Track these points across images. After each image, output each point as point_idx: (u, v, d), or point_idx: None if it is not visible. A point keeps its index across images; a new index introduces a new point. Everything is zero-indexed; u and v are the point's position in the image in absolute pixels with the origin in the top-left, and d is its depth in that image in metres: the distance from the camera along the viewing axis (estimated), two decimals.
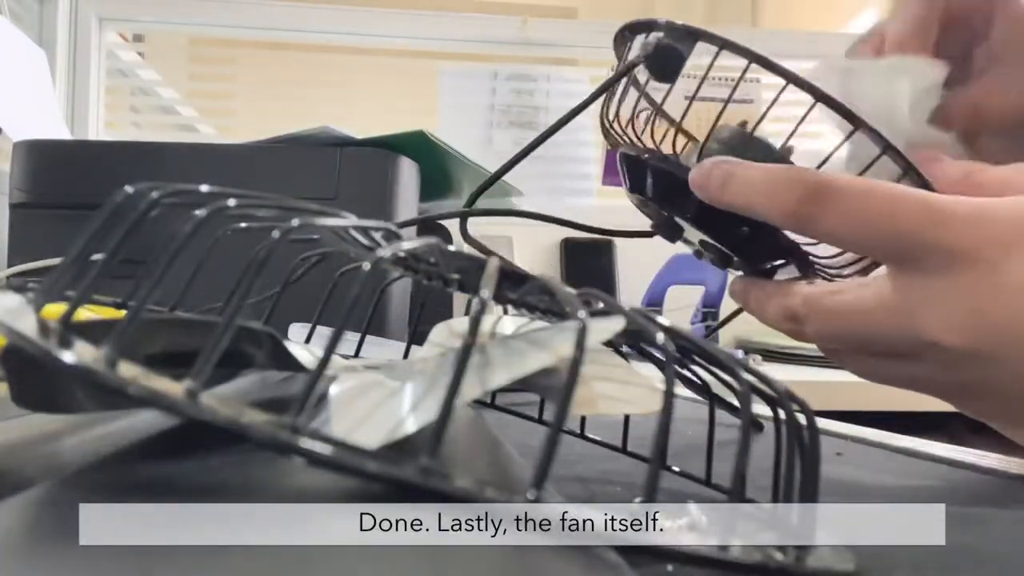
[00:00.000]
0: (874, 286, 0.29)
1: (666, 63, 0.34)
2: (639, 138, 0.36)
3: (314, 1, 1.70)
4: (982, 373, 0.28)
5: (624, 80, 0.37)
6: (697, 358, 0.23)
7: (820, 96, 0.32)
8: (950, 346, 0.27)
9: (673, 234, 0.37)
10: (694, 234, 0.36)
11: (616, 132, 0.37)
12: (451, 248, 0.23)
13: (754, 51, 0.32)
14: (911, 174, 0.32)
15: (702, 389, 0.29)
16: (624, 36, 0.37)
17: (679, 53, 0.34)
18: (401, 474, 0.14)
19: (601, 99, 0.38)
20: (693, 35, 0.34)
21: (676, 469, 0.29)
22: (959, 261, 0.27)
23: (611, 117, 0.37)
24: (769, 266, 0.35)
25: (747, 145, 0.34)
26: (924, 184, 0.31)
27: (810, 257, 0.35)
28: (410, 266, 0.26)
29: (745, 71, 0.33)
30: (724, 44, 0.33)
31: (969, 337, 0.27)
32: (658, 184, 0.35)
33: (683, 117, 0.35)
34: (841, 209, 0.28)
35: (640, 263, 1.44)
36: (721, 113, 0.34)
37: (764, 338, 1.39)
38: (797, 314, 0.31)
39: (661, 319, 0.20)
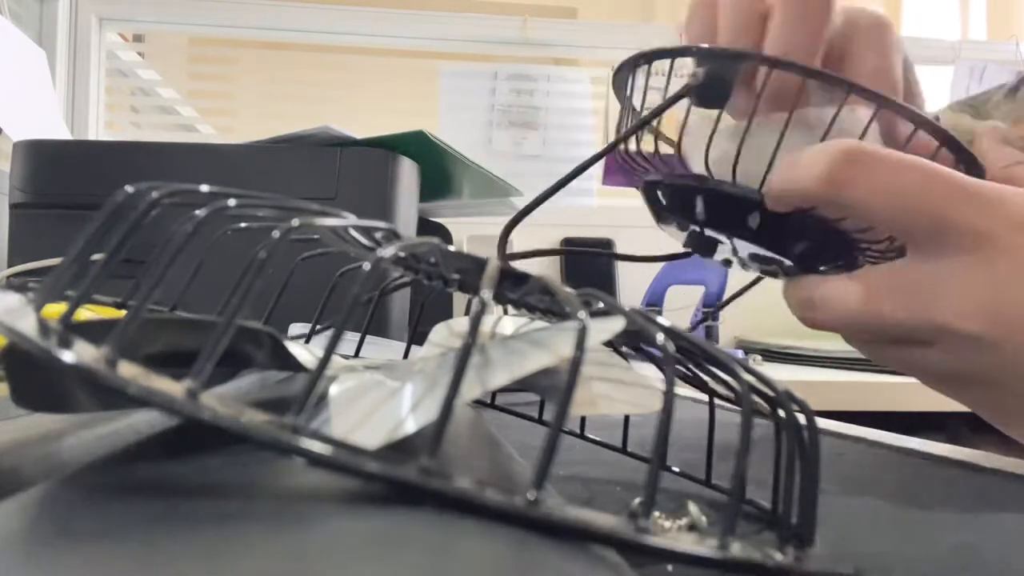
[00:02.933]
0: (886, 270, 0.29)
1: (716, 91, 0.33)
2: (681, 163, 0.35)
3: (314, 1, 1.70)
4: (992, 361, 0.28)
5: (629, 110, 0.37)
6: (697, 358, 0.23)
7: (882, 101, 0.31)
8: (963, 331, 0.27)
9: (709, 250, 0.37)
10: (740, 247, 0.35)
11: (642, 161, 0.37)
12: (451, 248, 0.23)
13: (809, 67, 0.32)
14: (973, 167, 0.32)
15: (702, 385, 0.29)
16: (638, 63, 0.36)
17: (727, 80, 0.33)
18: (401, 474, 0.14)
19: (613, 126, 0.37)
20: (739, 58, 0.33)
21: (676, 469, 0.29)
22: (983, 244, 0.27)
23: (639, 147, 0.36)
24: (820, 271, 0.35)
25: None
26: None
27: (860, 257, 0.35)
28: (410, 266, 0.26)
29: (803, 88, 0.32)
30: (774, 63, 0.32)
31: (984, 323, 0.27)
32: (713, 209, 0.34)
33: (712, 137, 0.34)
34: (875, 177, 0.28)
35: (640, 263, 1.44)
36: (749, 124, 0.33)
37: (764, 338, 1.39)
38: (811, 300, 0.31)
39: (661, 319, 0.20)
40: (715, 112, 0.34)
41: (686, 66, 0.34)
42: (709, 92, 0.33)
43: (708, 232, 0.36)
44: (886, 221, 0.30)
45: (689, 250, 0.37)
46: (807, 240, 0.33)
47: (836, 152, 0.28)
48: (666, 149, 0.37)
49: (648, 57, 0.35)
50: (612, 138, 0.38)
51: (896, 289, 0.29)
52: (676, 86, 0.34)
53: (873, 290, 0.29)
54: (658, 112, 0.35)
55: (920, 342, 0.29)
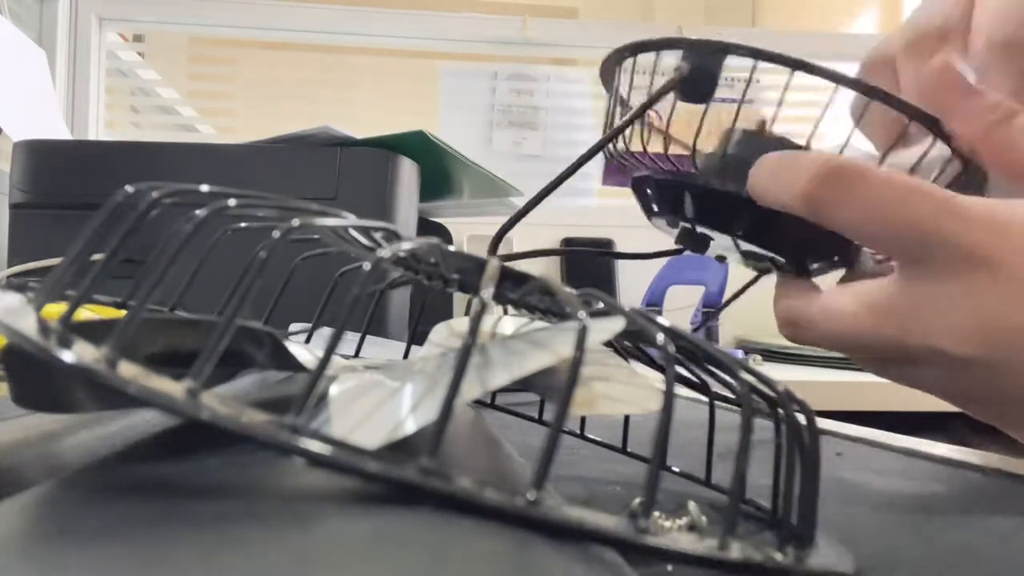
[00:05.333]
0: (875, 289, 0.29)
1: (701, 85, 0.33)
2: (668, 159, 0.35)
3: (314, 1, 1.70)
4: (989, 381, 0.27)
5: (619, 104, 0.37)
6: (697, 359, 0.23)
7: (873, 92, 0.31)
8: (956, 354, 0.26)
9: (701, 247, 0.36)
10: (730, 244, 0.35)
11: (630, 158, 0.36)
12: (451, 248, 0.23)
13: (793, 57, 0.31)
14: (971, 168, 0.32)
15: (701, 388, 0.29)
16: (623, 56, 0.35)
17: (712, 73, 0.32)
18: (401, 474, 0.14)
19: (604, 121, 0.37)
20: (724, 50, 0.32)
21: (676, 469, 0.29)
22: (973, 263, 0.26)
23: (626, 144, 0.36)
24: (815, 267, 0.34)
25: (767, 147, 0.32)
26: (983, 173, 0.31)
27: (855, 255, 0.34)
28: (410, 266, 0.26)
29: (789, 81, 0.32)
30: (758, 55, 0.31)
31: (979, 345, 0.26)
32: (701, 206, 0.34)
33: (698, 133, 0.34)
34: (857, 194, 0.27)
35: (640, 263, 1.44)
36: (735, 120, 0.33)
37: (764, 338, 1.39)
38: (798, 319, 0.31)
39: (661, 319, 0.20)
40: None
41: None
42: (694, 86, 0.33)
43: (699, 229, 0.35)
44: (869, 241, 0.29)
45: (681, 247, 0.37)
46: (798, 238, 0.33)
47: (815, 169, 0.28)
48: (661, 145, 0.36)
49: (633, 50, 0.35)
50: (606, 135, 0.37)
51: (886, 310, 0.28)
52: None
53: (862, 311, 0.28)
54: (643, 110, 0.34)
55: (913, 360, 0.28)
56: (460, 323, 0.29)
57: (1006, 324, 0.26)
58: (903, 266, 0.28)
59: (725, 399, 0.28)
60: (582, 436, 0.33)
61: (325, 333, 0.33)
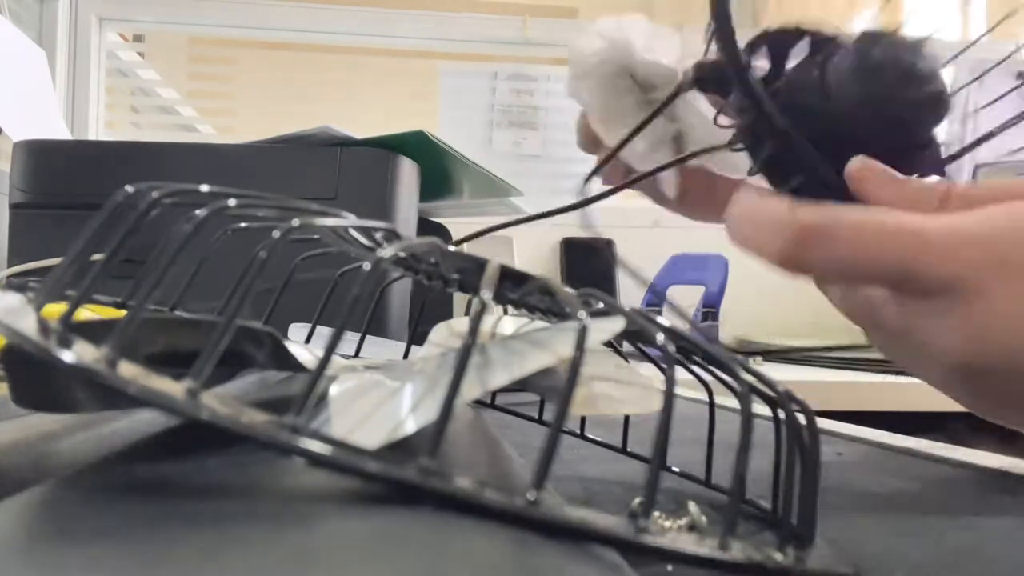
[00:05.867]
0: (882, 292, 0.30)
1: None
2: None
3: (314, 1, 1.70)
4: (986, 385, 0.28)
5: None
6: (697, 358, 0.23)
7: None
8: (951, 364, 0.27)
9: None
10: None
11: None
12: (451, 248, 0.23)
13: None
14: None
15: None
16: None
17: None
18: (401, 474, 0.14)
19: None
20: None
21: (676, 469, 0.29)
22: (955, 285, 0.27)
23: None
24: None
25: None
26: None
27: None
28: (410, 266, 0.26)
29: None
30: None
31: (971, 358, 0.27)
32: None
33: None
34: (831, 251, 0.28)
35: (640, 263, 1.44)
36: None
37: (764, 338, 1.39)
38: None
39: (661, 319, 0.20)
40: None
41: None
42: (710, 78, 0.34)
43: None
44: (853, 282, 0.30)
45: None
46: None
47: (785, 234, 0.28)
48: None
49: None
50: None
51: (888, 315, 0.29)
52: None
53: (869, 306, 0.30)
54: (654, 115, 0.36)
55: (916, 367, 0.30)
56: (460, 323, 0.29)
57: (992, 338, 0.27)
58: (891, 291, 0.29)
59: (722, 407, 0.28)
60: (582, 436, 0.33)
61: (325, 333, 0.33)
